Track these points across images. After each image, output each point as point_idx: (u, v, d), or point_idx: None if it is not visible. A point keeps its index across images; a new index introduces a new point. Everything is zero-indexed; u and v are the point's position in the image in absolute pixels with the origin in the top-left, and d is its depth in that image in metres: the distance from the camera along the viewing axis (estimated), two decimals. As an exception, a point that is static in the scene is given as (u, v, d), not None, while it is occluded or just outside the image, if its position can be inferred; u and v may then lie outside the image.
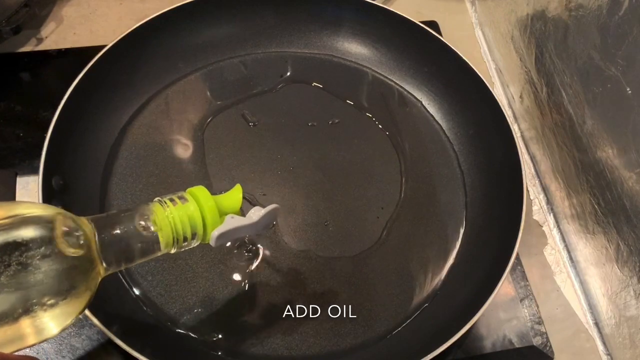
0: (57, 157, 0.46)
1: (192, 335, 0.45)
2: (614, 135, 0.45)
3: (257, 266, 0.48)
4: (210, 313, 0.46)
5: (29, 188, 0.44)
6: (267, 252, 0.49)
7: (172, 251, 0.35)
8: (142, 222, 0.33)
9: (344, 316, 0.47)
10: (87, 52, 0.51)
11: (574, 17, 0.48)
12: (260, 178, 0.52)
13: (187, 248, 0.36)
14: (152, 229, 0.33)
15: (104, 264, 0.32)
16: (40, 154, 0.45)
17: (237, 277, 0.47)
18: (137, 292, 0.46)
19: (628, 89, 0.42)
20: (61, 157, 0.47)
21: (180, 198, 0.35)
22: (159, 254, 0.34)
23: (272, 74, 0.59)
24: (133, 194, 0.50)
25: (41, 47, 0.61)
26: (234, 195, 0.39)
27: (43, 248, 0.28)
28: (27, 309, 0.28)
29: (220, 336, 0.45)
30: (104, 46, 0.52)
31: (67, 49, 0.61)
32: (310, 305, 0.47)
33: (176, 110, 0.55)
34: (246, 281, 0.47)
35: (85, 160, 0.50)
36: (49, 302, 0.28)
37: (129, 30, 0.53)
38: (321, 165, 0.54)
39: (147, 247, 0.34)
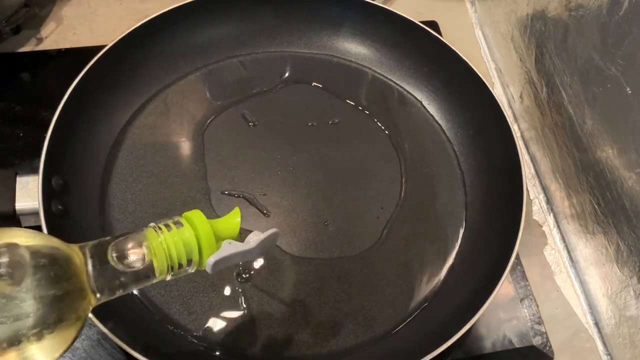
0: (57, 156, 0.46)
1: (192, 335, 0.45)
2: (614, 135, 0.45)
3: (257, 266, 0.48)
4: (210, 313, 0.46)
5: (28, 188, 0.44)
6: (267, 252, 0.49)
7: (168, 278, 0.34)
8: (137, 250, 0.32)
9: (344, 316, 0.47)
10: (87, 52, 0.51)
11: (574, 17, 0.48)
12: (260, 178, 0.52)
13: (183, 274, 0.35)
14: (146, 256, 0.32)
15: (97, 294, 0.31)
16: (40, 154, 0.45)
17: (237, 277, 0.47)
18: (136, 291, 0.46)
19: (628, 89, 0.42)
20: (61, 157, 0.47)
21: (176, 223, 0.34)
22: (154, 281, 0.33)
23: (272, 74, 0.59)
24: (133, 193, 0.50)
25: (41, 47, 0.61)
26: (232, 219, 0.37)
27: (29, 280, 0.27)
28: (12, 342, 0.27)
29: (220, 336, 0.45)
30: (104, 46, 0.52)
31: (67, 49, 0.61)
32: (310, 305, 0.47)
33: (176, 110, 0.55)
34: (246, 281, 0.47)
35: (85, 160, 0.50)
36: (35, 335, 0.27)
37: (129, 30, 0.53)
38: (321, 165, 0.54)
39: (141, 275, 0.32)
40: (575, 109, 0.50)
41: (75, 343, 0.44)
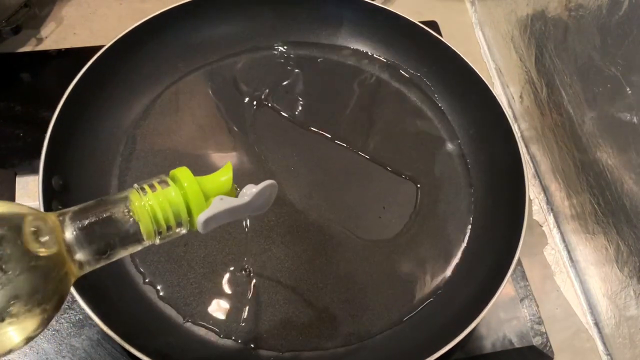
0: (57, 157, 0.46)
1: (192, 335, 0.45)
2: (614, 135, 0.45)
3: (257, 267, 0.48)
4: (209, 314, 0.46)
5: (28, 188, 0.44)
6: (268, 252, 0.49)
7: (157, 242, 0.31)
8: (119, 213, 0.30)
9: (346, 316, 0.47)
10: (87, 52, 0.51)
11: (574, 17, 0.48)
12: (260, 178, 0.52)
13: (174, 237, 0.32)
14: (131, 219, 0.30)
15: (78, 262, 0.29)
16: (40, 154, 0.45)
17: (237, 277, 0.47)
18: (135, 289, 0.46)
19: (628, 89, 0.42)
20: (61, 157, 0.47)
21: (161, 182, 0.32)
22: (143, 246, 0.31)
23: (271, 73, 0.59)
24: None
25: (41, 47, 0.61)
26: (222, 175, 0.34)
27: (6, 249, 0.25)
28: None
29: (219, 337, 0.45)
30: (104, 46, 0.52)
31: (67, 49, 0.61)
32: (311, 305, 0.47)
33: (176, 110, 0.55)
34: (246, 282, 0.47)
35: (85, 161, 0.50)
36: (8, 310, 0.25)
37: (128, 30, 0.53)
38: (322, 165, 0.54)
39: (127, 239, 0.30)
40: (575, 109, 0.50)
41: (75, 343, 0.45)
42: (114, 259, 0.30)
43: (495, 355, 0.48)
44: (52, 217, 0.28)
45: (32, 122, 0.55)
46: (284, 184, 0.52)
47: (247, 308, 0.46)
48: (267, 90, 0.58)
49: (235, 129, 0.55)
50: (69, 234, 0.28)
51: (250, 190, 0.34)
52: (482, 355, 0.48)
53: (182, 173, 0.32)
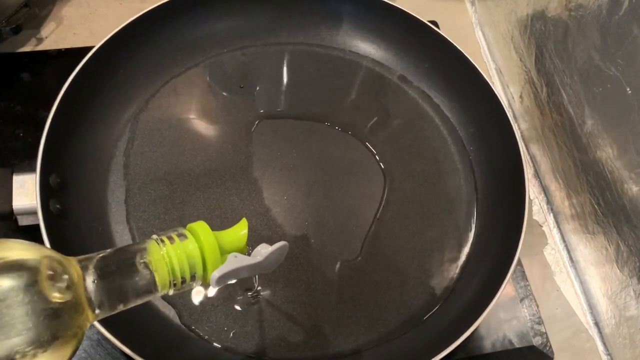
0: (54, 154, 0.46)
1: (192, 336, 0.45)
2: (614, 135, 0.45)
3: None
4: (210, 314, 0.46)
5: (26, 187, 0.44)
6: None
7: (170, 293, 0.32)
8: (137, 263, 0.31)
9: (347, 317, 0.47)
10: (87, 52, 0.51)
11: (574, 17, 0.48)
12: (260, 177, 0.52)
13: (187, 289, 0.33)
14: (148, 270, 0.31)
15: (96, 309, 0.29)
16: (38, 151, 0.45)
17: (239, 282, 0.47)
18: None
19: (628, 89, 0.42)
20: (59, 155, 0.47)
21: (179, 235, 0.33)
22: (157, 295, 0.32)
23: (271, 68, 0.59)
24: (131, 191, 0.50)
25: (41, 47, 0.61)
26: (238, 231, 0.35)
27: (22, 296, 0.26)
28: None
29: (220, 337, 0.45)
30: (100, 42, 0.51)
31: (67, 49, 0.61)
32: (312, 306, 0.47)
33: (175, 107, 0.55)
34: (247, 283, 0.47)
35: (83, 159, 0.49)
36: (29, 353, 0.26)
37: (124, 25, 0.52)
38: (321, 163, 0.54)
39: (143, 289, 0.31)
40: (575, 109, 0.50)
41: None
42: (127, 308, 0.31)
43: (495, 355, 0.48)
44: (74, 263, 0.29)
45: (31, 122, 0.55)
46: (283, 182, 0.52)
47: (249, 314, 0.46)
48: (267, 85, 0.58)
49: (235, 125, 0.55)
50: (90, 282, 0.29)
51: (263, 250, 0.35)
52: (482, 355, 0.48)
53: (200, 227, 0.33)
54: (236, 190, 0.51)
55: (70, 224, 0.45)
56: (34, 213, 0.43)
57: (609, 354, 0.50)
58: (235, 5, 0.59)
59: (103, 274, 0.30)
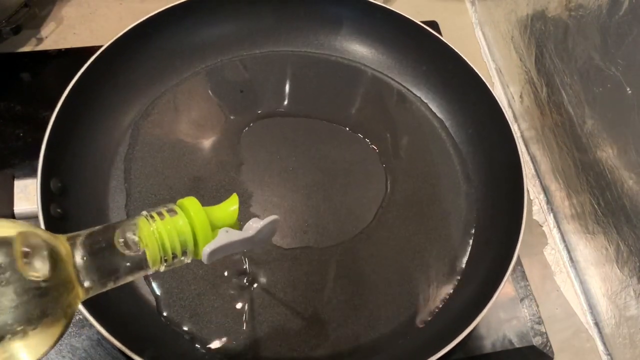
0: (55, 159, 0.46)
1: (192, 336, 0.45)
2: (614, 135, 0.45)
3: (258, 267, 0.48)
4: (210, 314, 0.46)
5: (27, 191, 0.44)
6: (268, 253, 0.49)
7: (162, 269, 0.32)
8: (127, 239, 0.31)
9: (347, 317, 0.47)
10: (87, 52, 0.51)
11: (574, 17, 0.48)
12: (260, 178, 0.52)
13: (178, 265, 0.33)
14: (139, 246, 0.31)
15: (85, 286, 0.29)
16: (39, 155, 0.45)
17: (237, 278, 0.47)
18: (134, 293, 0.46)
19: (628, 89, 0.42)
20: (60, 159, 0.47)
21: (169, 211, 0.32)
22: (148, 272, 0.32)
23: (271, 72, 0.59)
24: (132, 195, 0.50)
25: (41, 47, 0.61)
26: (229, 206, 0.35)
27: (9, 272, 0.25)
28: None
29: (221, 338, 0.45)
30: (103, 46, 0.52)
31: (67, 49, 0.61)
32: (312, 307, 0.47)
33: (176, 112, 0.55)
34: (247, 283, 0.47)
35: (84, 163, 0.49)
36: (18, 331, 0.25)
37: (126, 30, 0.53)
38: (321, 165, 0.54)
39: (133, 265, 0.31)
40: (575, 109, 0.50)
41: (75, 343, 0.45)
42: (119, 284, 0.31)
43: (495, 355, 0.48)
44: (63, 240, 0.29)
45: (32, 122, 0.55)
46: (283, 184, 0.52)
47: (246, 315, 0.46)
48: (267, 89, 0.58)
49: (235, 129, 0.55)
50: (79, 258, 0.29)
51: (255, 224, 0.35)
52: (482, 355, 0.48)
53: (190, 203, 0.33)
54: (236, 193, 0.51)
55: (71, 228, 0.45)
56: (35, 218, 0.43)
57: (609, 354, 0.50)
58: (235, 11, 0.59)
59: (92, 250, 0.29)
